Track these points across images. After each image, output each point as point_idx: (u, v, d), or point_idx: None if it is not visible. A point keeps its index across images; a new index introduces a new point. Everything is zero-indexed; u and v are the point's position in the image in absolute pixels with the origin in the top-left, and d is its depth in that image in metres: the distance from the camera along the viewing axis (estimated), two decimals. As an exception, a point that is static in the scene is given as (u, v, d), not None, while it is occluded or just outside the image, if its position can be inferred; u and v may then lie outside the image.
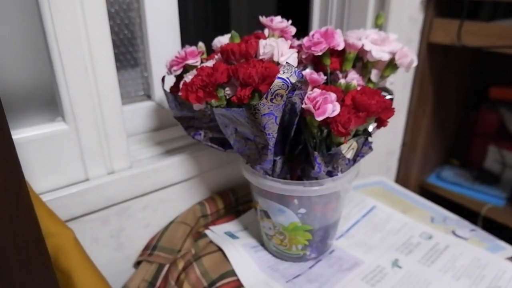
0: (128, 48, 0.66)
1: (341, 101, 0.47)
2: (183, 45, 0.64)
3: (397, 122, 1.00)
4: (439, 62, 0.97)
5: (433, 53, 0.93)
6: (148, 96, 0.71)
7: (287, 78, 0.42)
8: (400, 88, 0.95)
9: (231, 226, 0.67)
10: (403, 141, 1.03)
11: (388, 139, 1.01)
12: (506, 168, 1.06)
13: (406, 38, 0.89)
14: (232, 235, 0.64)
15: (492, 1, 0.84)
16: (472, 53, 0.99)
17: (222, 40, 0.56)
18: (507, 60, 1.06)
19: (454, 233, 0.65)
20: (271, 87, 0.42)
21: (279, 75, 0.42)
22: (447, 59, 0.99)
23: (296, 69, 0.43)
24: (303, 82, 0.44)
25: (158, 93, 0.68)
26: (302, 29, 0.93)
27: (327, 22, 0.86)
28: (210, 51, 0.59)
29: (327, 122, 0.46)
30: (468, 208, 1.02)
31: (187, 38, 0.69)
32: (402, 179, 1.08)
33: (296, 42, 0.58)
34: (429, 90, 1.00)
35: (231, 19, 1.16)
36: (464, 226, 0.68)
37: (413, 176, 1.09)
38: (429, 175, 1.14)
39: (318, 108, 0.45)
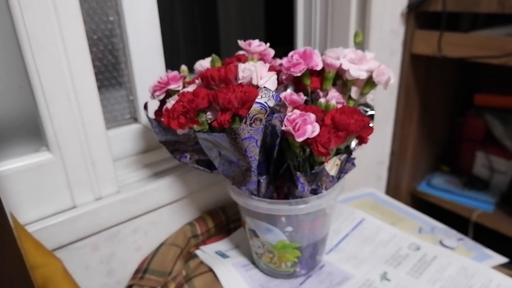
0: (112, 73, 0.67)
1: (321, 121, 0.48)
2: (172, 66, 0.65)
3: (385, 132, 1.01)
4: (423, 72, 0.99)
5: (416, 64, 0.95)
6: (135, 119, 0.71)
7: (265, 102, 0.43)
8: (386, 98, 0.96)
9: (222, 245, 0.67)
10: (392, 150, 1.04)
11: (377, 149, 1.02)
12: (495, 174, 1.07)
13: (389, 50, 0.90)
14: (222, 255, 0.64)
15: (471, 13, 0.86)
16: (455, 61, 1.01)
17: (203, 64, 0.57)
18: (489, 67, 1.08)
19: (441, 243, 0.66)
20: (249, 112, 0.42)
21: (257, 100, 0.43)
22: (431, 68, 1.00)
23: (274, 92, 0.44)
24: (282, 105, 0.45)
25: (145, 116, 0.69)
26: (288, 44, 0.95)
27: (311, 40, 0.87)
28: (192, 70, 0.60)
29: (308, 142, 0.47)
30: (459, 215, 1.02)
31: (176, 59, 0.70)
32: (393, 188, 1.09)
33: (279, 62, 0.59)
34: (415, 99, 1.01)
35: (220, 38, 1.18)
36: (451, 235, 0.68)
37: (403, 184, 1.10)
38: (419, 182, 1.15)
39: (298, 130, 0.45)
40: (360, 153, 0.95)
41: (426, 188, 1.12)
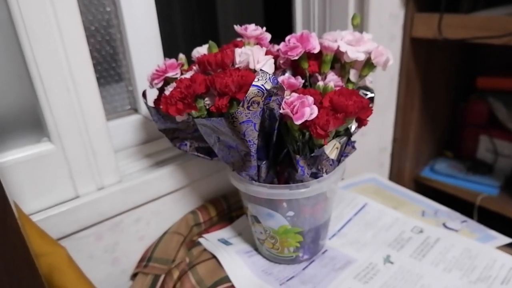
0: (111, 64, 0.67)
1: (319, 103, 0.48)
2: (170, 57, 0.65)
3: (387, 118, 1.01)
4: (424, 56, 0.98)
5: (417, 48, 0.94)
6: (135, 110, 0.72)
7: (262, 85, 0.43)
8: (386, 84, 0.96)
9: (225, 233, 0.67)
10: (394, 136, 1.04)
11: (378, 136, 1.01)
12: (499, 157, 1.06)
13: (389, 34, 0.90)
14: (225, 242, 0.65)
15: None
16: (456, 44, 1.00)
17: (200, 51, 0.57)
18: (492, 50, 1.07)
19: (445, 225, 0.66)
20: (246, 95, 0.42)
21: (254, 83, 0.43)
22: (432, 52, 1.00)
23: (271, 75, 0.43)
24: (279, 88, 0.45)
25: (145, 106, 0.69)
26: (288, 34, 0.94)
27: (309, 26, 0.87)
28: (192, 61, 0.59)
29: (306, 125, 0.47)
30: (463, 199, 1.02)
31: (175, 50, 0.70)
32: (396, 174, 1.09)
33: (276, 47, 0.59)
34: (416, 84, 1.01)
35: (219, 31, 1.17)
36: (455, 218, 0.68)
37: (406, 170, 1.09)
38: (423, 168, 1.15)
39: (296, 112, 0.45)
40: (362, 140, 0.96)
41: (429, 173, 1.12)
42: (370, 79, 0.58)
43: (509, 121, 1.02)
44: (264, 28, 0.54)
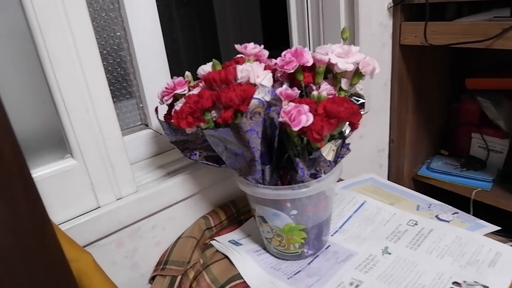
0: (122, 83, 0.73)
1: (314, 111, 0.53)
2: (176, 73, 0.71)
3: (382, 121, 1.06)
4: (415, 61, 1.04)
5: (407, 53, 1.00)
6: (146, 125, 0.77)
7: (262, 97, 0.48)
8: (380, 88, 1.01)
9: (235, 235, 0.72)
10: (390, 138, 1.09)
11: (376, 138, 1.07)
12: (490, 153, 1.11)
13: (380, 43, 0.95)
14: (236, 243, 0.70)
15: (455, 2, 0.91)
16: (445, 48, 1.05)
17: (205, 68, 0.62)
18: (480, 52, 1.13)
19: (437, 217, 0.70)
20: (249, 107, 0.48)
21: (254, 96, 0.48)
22: (422, 56, 1.05)
23: (270, 89, 0.49)
24: (277, 99, 0.50)
25: (155, 121, 0.75)
26: (286, 45, 1.00)
27: (305, 40, 0.93)
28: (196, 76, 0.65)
29: (303, 131, 0.52)
30: (459, 195, 1.07)
31: (179, 66, 0.76)
32: (394, 174, 1.14)
33: (274, 61, 0.65)
34: (409, 88, 1.06)
35: (220, 45, 1.23)
36: (447, 210, 0.73)
37: (404, 170, 1.14)
38: (420, 167, 1.20)
39: (294, 120, 0.51)
40: (360, 142, 1.01)
41: (426, 171, 1.16)
42: (360, 87, 0.63)
43: (499, 119, 1.07)
44: (262, 46, 0.59)
